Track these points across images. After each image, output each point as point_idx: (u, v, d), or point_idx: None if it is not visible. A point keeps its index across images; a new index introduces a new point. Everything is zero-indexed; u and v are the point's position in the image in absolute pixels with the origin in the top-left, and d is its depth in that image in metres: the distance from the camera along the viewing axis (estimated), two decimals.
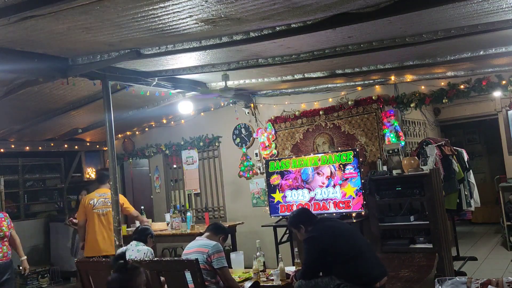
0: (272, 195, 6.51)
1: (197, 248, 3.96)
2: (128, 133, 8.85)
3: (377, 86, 6.34)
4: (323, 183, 6.07)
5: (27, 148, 7.94)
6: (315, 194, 6.12)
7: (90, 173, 9.13)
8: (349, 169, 5.86)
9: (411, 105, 6.23)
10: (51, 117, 6.50)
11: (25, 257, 5.22)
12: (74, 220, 6.61)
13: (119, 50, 4.09)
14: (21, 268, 5.23)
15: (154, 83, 5.23)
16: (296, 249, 4.62)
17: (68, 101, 6.00)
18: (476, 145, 10.09)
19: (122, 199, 5.69)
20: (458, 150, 6.76)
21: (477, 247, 7.52)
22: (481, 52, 4.72)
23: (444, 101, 6.13)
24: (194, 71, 4.98)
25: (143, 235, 4.45)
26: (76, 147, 8.63)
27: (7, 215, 5.17)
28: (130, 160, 9.01)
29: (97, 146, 9.04)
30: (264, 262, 4.52)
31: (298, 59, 4.56)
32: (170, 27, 3.49)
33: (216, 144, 7.84)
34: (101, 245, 5.64)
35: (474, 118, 8.38)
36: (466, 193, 6.59)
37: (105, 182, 5.89)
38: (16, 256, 5.18)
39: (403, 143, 6.02)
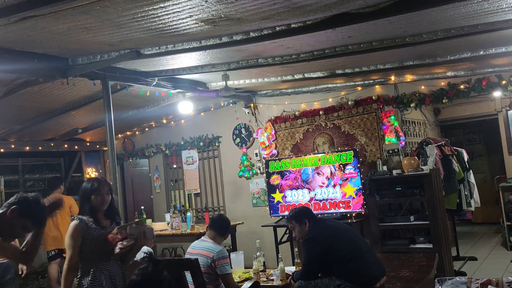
0: (272, 195, 6.51)
1: (202, 251, 3.91)
2: (128, 133, 8.85)
3: (377, 86, 6.34)
4: (323, 183, 6.07)
5: (27, 148, 7.94)
6: (315, 194, 6.13)
7: (90, 173, 9.12)
8: (349, 169, 5.86)
9: (411, 105, 6.23)
10: (51, 117, 6.50)
11: None
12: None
13: (119, 50, 4.09)
14: (18, 268, 5.17)
15: (154, 83, 5.23)
16: (296, 249, 4.62)
17: (68, 101, 6.01)
18: (476, 145, 10.08)
19: (70, 201, 6.56)
20: (458, 150, 6.76)
21: (477, 247, 7.51)
22: (481, 52, 4.73)
23: (444, 101, 6.13)
24: (194, 71, 4.99)
25: None
26: (76, 147, 8.63)
27: None
28: (130, 160, 9.01)
29: (97, 146, 9.04)
30: (264, 262, 4.51)
31: (298, 59, 4.56)
32: (170, 27, 3.49)
33: (216, 144, 7.84)
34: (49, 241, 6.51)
35: (474, 118, 8.37)
36: (466, 193, 6.59)
37: (55, 188, 6.67)
38: None
39: (400, 140, 6.02)
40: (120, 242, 2.95)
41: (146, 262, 2.28)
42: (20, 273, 5.20)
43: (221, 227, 4.09)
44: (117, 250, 2.93)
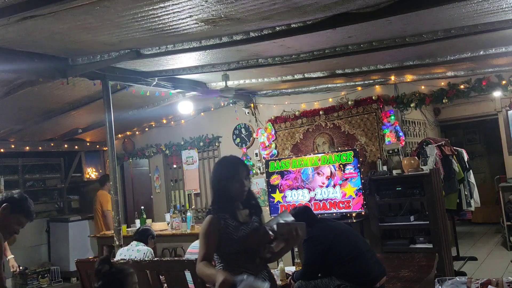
0: (272, 195, 6.51)
1: None
2: (128, 133, 8.84)
3: (377, 86, 6.34)
4: (323, 183, 6.07)
5: (27, 148, 7.94)
6: (315, 194, 6.13)
7: (90, 173, 9.12)
8: (349, 169, 5.86)
9: (411, 105, 6.23)
10: (51, 117, 6.50)
11: (12, 256, 4.96)
12: None
13: (119, 50, 4.09)
14: (11, 268, 5.04)
15: (154, 83, 5.23)
16: (296, 249, 4.62)
17: (68, 101, 6.01)
18: (476, 145, 10.08)
19: (101, 197, 7.74)
20: (458, 150, 6.76)
21: (477, 247, 7.51)
22: (481, 52, 4.73)
23: (444, 101, 6.13)
24: (194, 71, 4.99)
25: (144, 236, 4.45)
26: (76, 147, 8.63)
27: None
28: (130, 160, 9.01)
29: (97, 146, 9.04)
30: None
31: (298, 59, 4.56)
32: (170, 27, 3.49)
33: (216, 144, 7.84)
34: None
35: (474, 118, 8.38)
36: (466, 193, 6.59)
37: (104, 184, 7.79)
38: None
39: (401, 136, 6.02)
40: (270, 245, 2.39)
41: (101, 265, 2.35)
42: (13, 270, 5.08)
43: None
44: (267, 255, 2.39)
